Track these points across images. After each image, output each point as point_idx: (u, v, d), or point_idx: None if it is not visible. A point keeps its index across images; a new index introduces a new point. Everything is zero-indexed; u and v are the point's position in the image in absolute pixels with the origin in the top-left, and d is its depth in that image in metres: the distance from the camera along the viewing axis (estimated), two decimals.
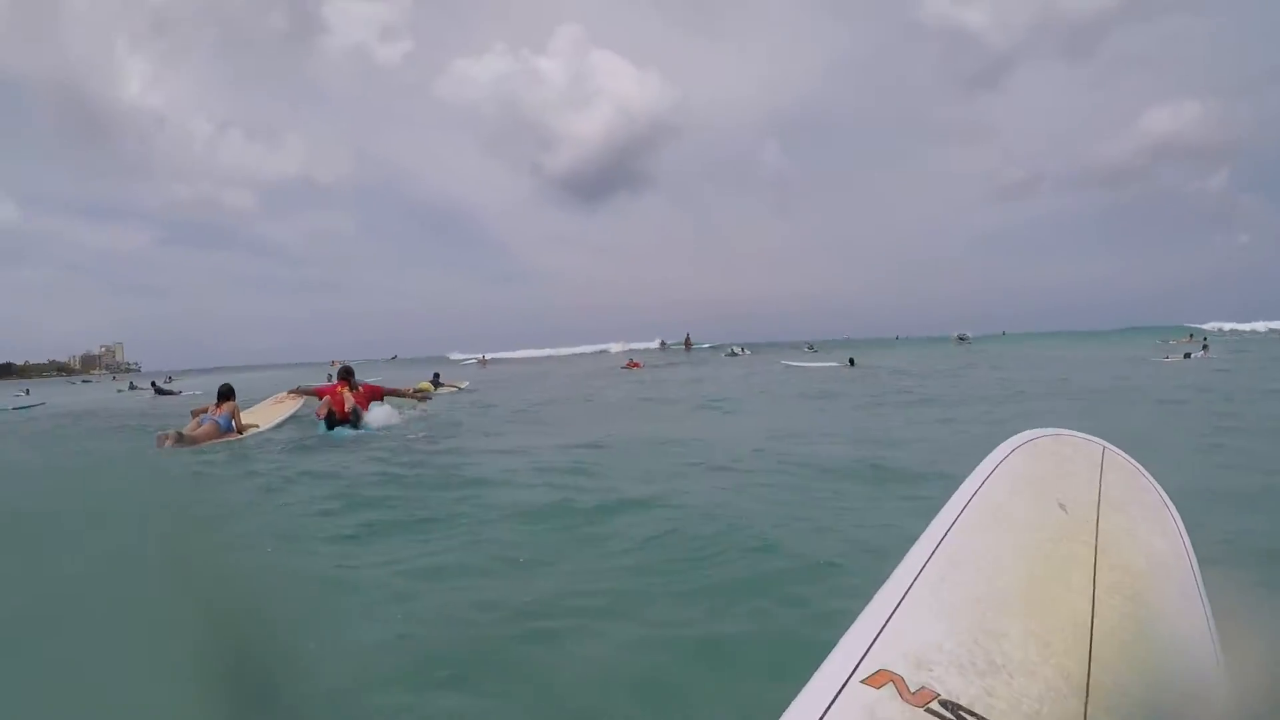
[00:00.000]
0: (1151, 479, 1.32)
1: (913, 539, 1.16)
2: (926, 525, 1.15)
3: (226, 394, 8.18)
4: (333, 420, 8.54)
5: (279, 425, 8.54)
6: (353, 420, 8.57)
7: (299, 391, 9.48)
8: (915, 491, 4.23)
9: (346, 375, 9.12)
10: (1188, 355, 22.52)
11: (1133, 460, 1.36)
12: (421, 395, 10.85)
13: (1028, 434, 1.36)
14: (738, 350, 50.03)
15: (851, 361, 24.82)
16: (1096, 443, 1.38)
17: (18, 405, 21.46)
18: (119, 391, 32.75)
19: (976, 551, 1.09)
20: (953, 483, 1.24)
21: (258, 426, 8.41)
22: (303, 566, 3.42)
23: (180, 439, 7.28)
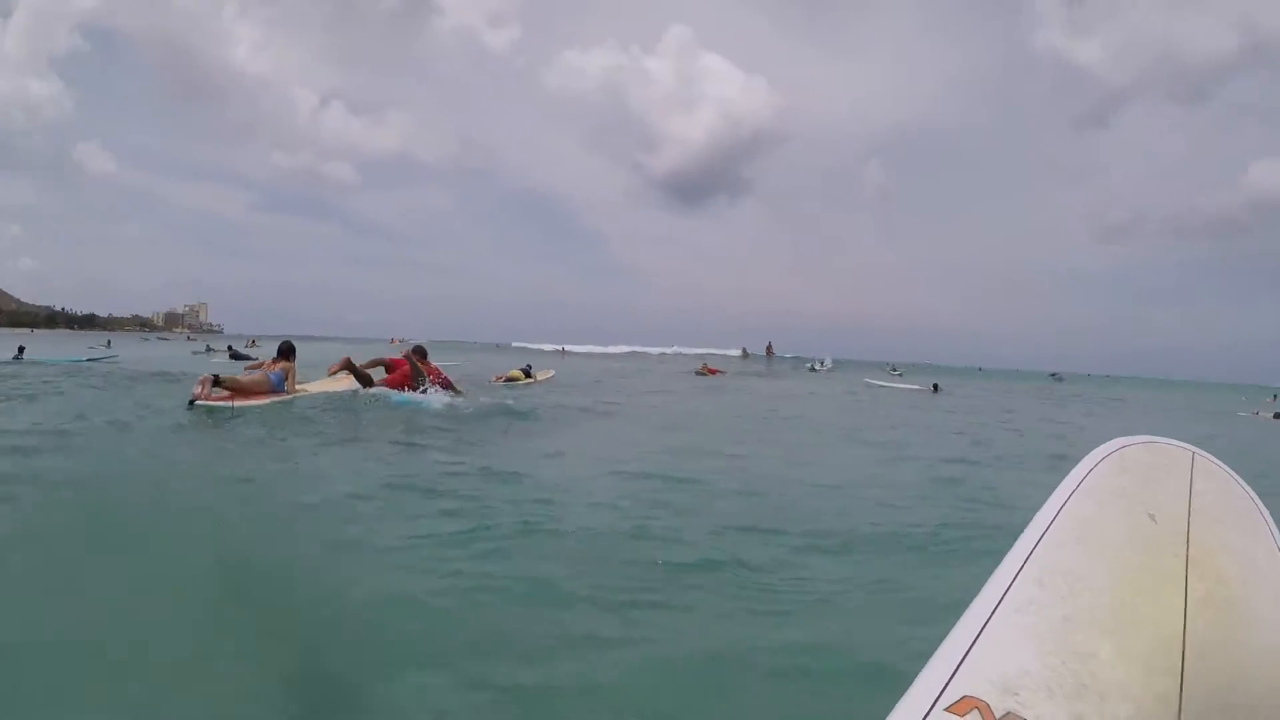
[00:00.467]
0: (1244, 485, 1.30)
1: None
2: (1013, 542, 1.18)
3: (286, 352, 8.17)
4: (400, 387, 9.02)
5: (327, 394, 8.51)
6: (418, 388, 9.00)
7: (359, 366, 9.26)
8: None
9: (423, 354, 9.66)
10: (1278, 415, 22.55)
11: (1225, 466, 1.34)
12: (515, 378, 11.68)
13: (1115, 443, 1.36)
14: (818, 366, 48.82)
15: (935, 387, 25.11)
16: (1186, 449, 1.37)
17: (92, 357, 21.08)
18: (194, 354, 29.93)
19: (1063, 569, 1.10)
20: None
21: (307, 390, 8.41)
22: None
23: (219, 382, 7.10)
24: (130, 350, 29.42)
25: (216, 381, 7.08)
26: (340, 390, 8.73)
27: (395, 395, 8.77)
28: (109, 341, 42.75)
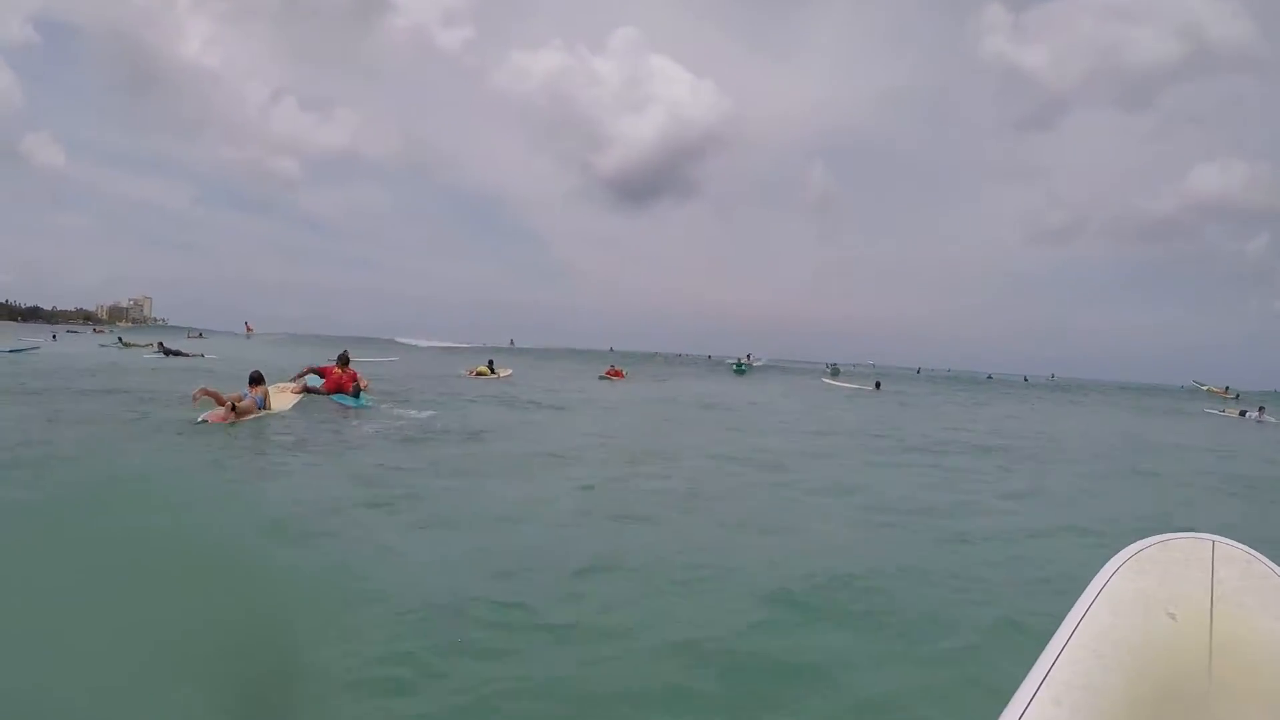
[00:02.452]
0: (1269, 563, 1.29)
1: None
2: (1034, 660, 1.21)
3: (259, 379, 9.74)
4: (332, 392, 11.56)
5: (290, 407, 10.31)
6: (352, 392, 11.58)
7: (301, 382, 11.58)
8: None
9: (345, 360, 12.25)
10: (1243, 413, 24.62)
11: (1247, 549, 1.34)
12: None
13: (1132, 548, 1.38)
14: (746, 362, 42.17)
15: (878, 385, 29.43)
16: (1205, 539, 1.38)
17: (16, 348, 22.63)
18: (101, 346, 29.70)
19: (1081, 684, 1.10)
20: None
21: (272, 410, 9.88)
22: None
23: (234, 409, 8.56)
24: (47, 346, 27.42)
25: (233, 409, 8.56)
26: (297, 399, 10.76)
27: (334, 397, 11.43)
28: (54, 336, 41.27)
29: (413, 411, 11.24)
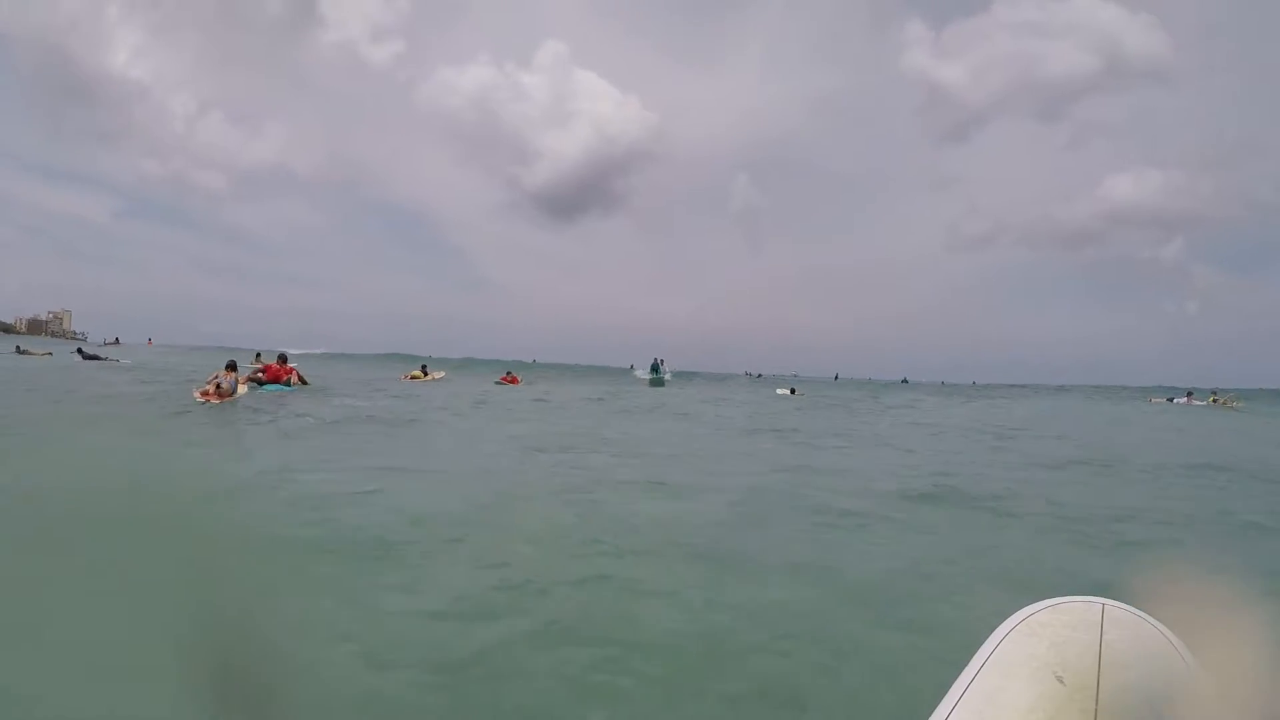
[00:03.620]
0: (1155, 623, 1.29)
1: None
2: None
3: (234, 366, 13.06)
4: (267, 383, 15.21)
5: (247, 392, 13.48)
6: (286, 383, 15.52)
7: (251, 376, 14.85)
8: None
9: (284, 358, 16.34)
10: (1170, 399, 29.01)
11: (1134, 610, 1.33)
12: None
13: (1020, 614, 1.36)
14: (660, 370, 34.52)
15: (793, 390, 30.73)
16: (1095, 602, 1.37)
17: None
18: None
19: None
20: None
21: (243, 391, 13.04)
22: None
23: (220, 393, 11.47)
24: None
25: (219, 392, 11.51)
26: (244, 389, 13.46)
27: (269, 386, 15.08)
28: (18, 346, 41.54)
29: (345, 400, 14.73)
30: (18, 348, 37.86)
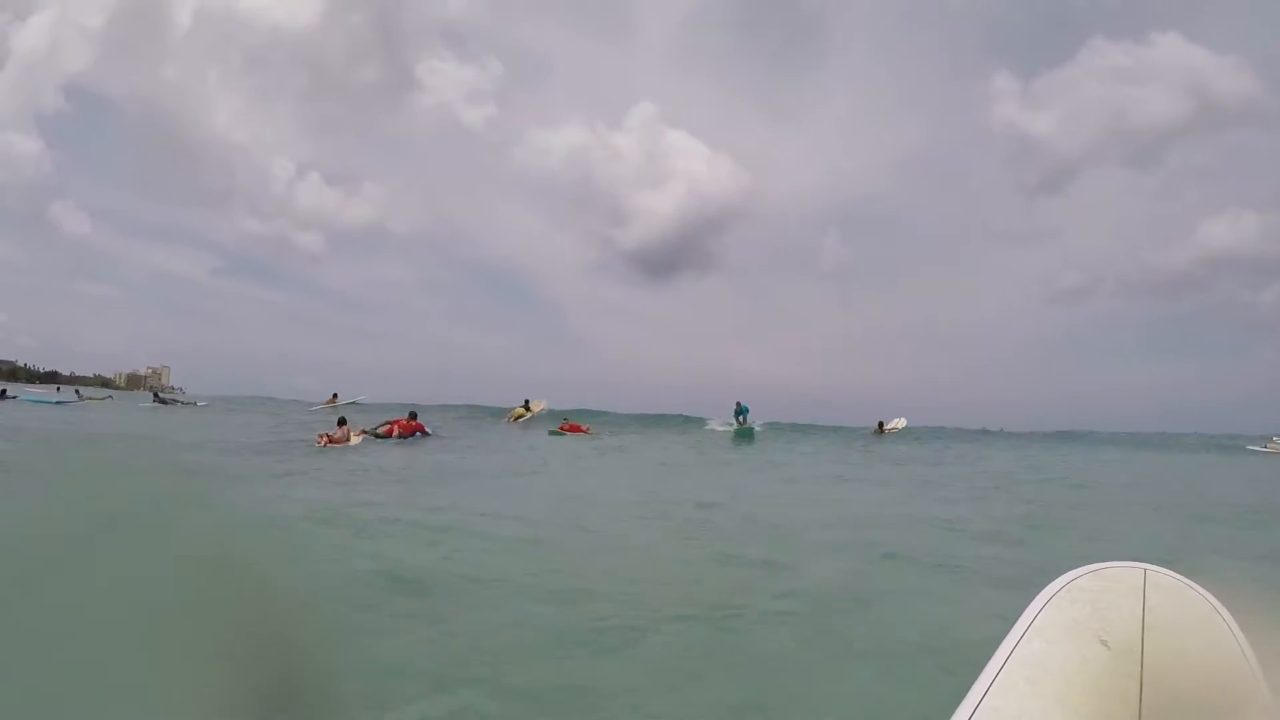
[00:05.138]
0: (1199, 589, 1.31)
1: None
2: (968, 688, 1.19)
3: (344, 421, 15.77)
4: (397, 435, 17.00)
5: (360, 443, 15.68)
6: (408, 436, 17.14)
7: (369, 431, 16.76)
8: None
9: (414, 415, 18.01)
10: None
11: (1178, 576, 1.35)
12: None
13: (1063, 578, 1.38)
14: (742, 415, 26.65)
15: (881, 426, 28.62)
16: (1137, 568, 1.39)
17: (61, 400, 29.47)
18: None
19: (1012, 712, 1.10)
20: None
21: (354, 441, 15.60)
22: None
23: (332, 440, 14.65)
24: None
25: (330, 440, 14.74)
26: (359, 440, 15.89)
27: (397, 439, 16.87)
28: (77, 391, 43.29)
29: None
30: (77, 391, 39.75)
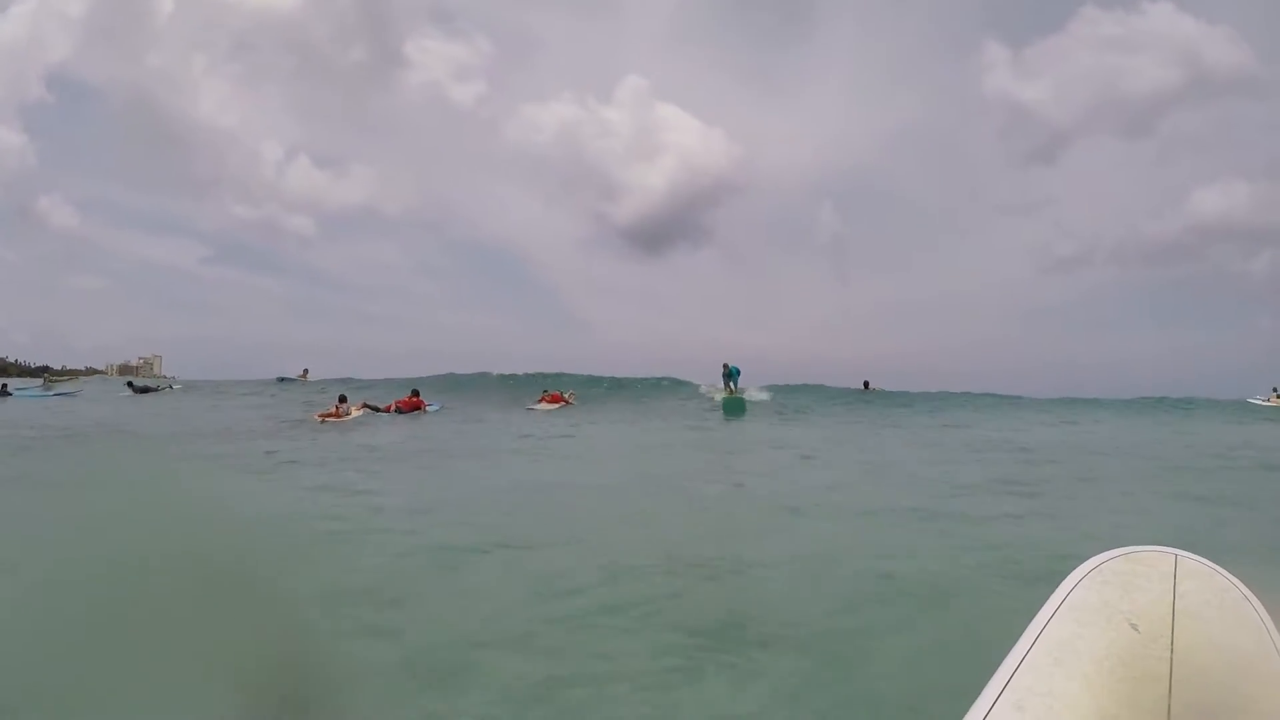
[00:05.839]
0: (1229, 576, 1.31)
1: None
2: (996, 667, 1.21)
3: (345, 398, 17.57)
4: (400, 412, 18.41)
5: (359, 416, 17.16)
6: (411, 411, 18.55)
7: (369, 405, 18.30)
8: None
9: (415, 393, 19.34)
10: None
11: (1208, 562, 1.35)
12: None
13: (1093, 560, 1.39)
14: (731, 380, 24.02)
15: (866, 385, 29.66)
16: (1168, 553, 1.39)
17: (60, 391, 28.74)
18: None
19: (1042, 691, 1.11)
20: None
21: (354, 415, 17.04)
22: None
23: (329, 416, 16.14)
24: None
25: (328, 416, 16.28)
26: (360, 413, 17.39)
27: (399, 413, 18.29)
28: (44, 379, 44.79)
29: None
30: (45, 379, 41.31)
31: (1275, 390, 25.64)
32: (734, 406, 21.32)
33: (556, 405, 21.53)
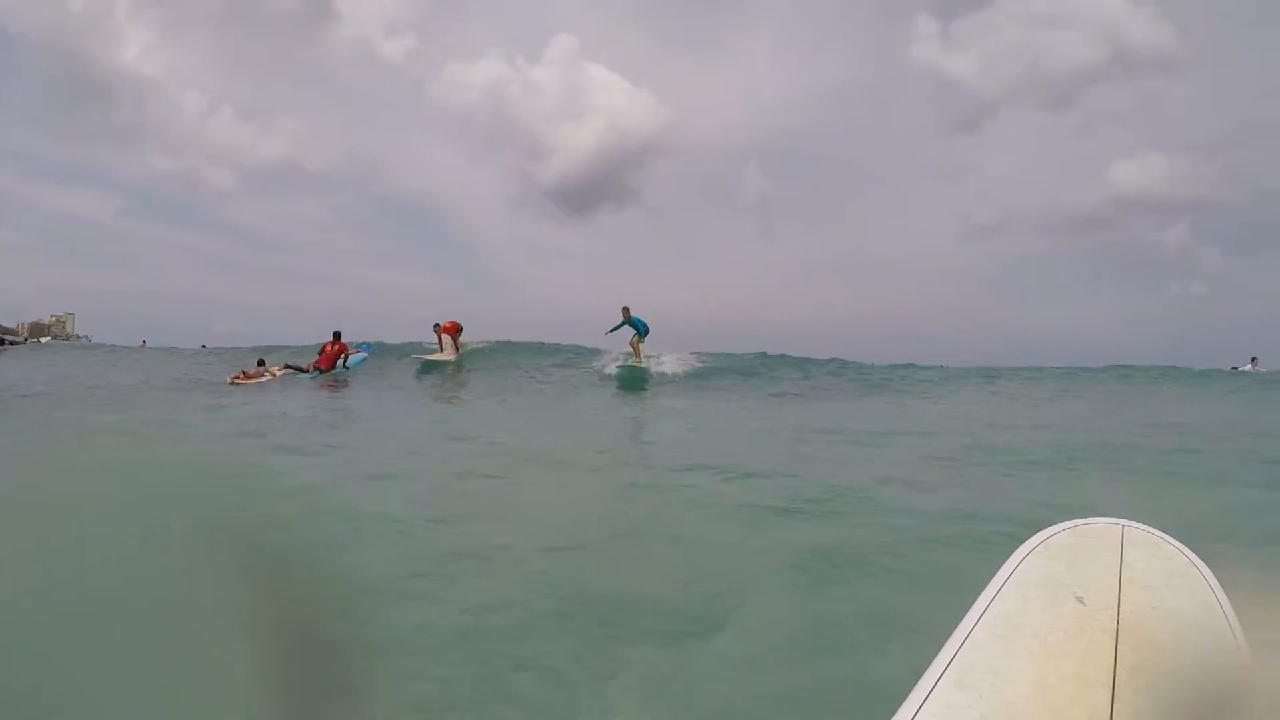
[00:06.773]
0: (1176, 543, 1.29)
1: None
2: (940, 645, 1.17)
3: (263, 361, 16.73)
4: (322, 371, 16.89)
5: (279, 377, 16.26)
6: (344, 364, 17.40)
7: (291, 366, 16.99)
8: None
9: (338, 336, 17.82)
10: (1234, 368, 26.26)
11: (1154, 531, 1.33)
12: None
13: (1042, 534, 1.36)
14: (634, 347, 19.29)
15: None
16: (1115, 523, 1.36)
17: None
18: None
19: (985, 667, 1.07)
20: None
21: (274, 375, 16.21)
22: None
23: (245, 376, 15.38)
24: None
25: (245, 376, 15.52)
26: (281, 374, 16.54)
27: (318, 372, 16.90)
28: None
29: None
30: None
31: (1253, 359, 26.64)
32: (632, 378, 16.96)
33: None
